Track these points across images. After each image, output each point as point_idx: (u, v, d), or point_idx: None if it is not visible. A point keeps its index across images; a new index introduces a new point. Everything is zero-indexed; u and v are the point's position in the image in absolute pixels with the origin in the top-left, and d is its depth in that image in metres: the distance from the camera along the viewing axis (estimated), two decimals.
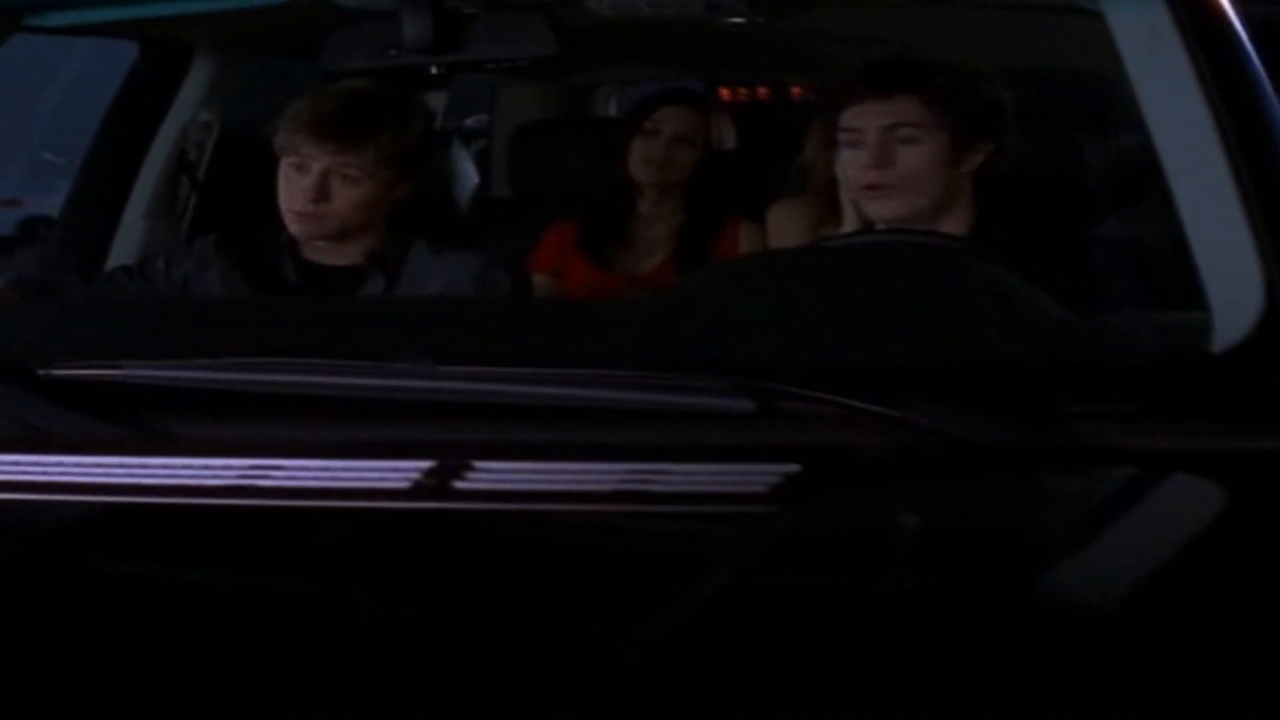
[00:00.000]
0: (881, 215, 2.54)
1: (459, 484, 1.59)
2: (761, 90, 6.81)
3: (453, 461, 1.61)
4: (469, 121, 6.25)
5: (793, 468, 1.64)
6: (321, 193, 2.74)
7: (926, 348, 1.82)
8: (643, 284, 3.49)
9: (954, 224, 2.55)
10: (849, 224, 3.10)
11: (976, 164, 2.56)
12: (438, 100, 3.82)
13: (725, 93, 6.50)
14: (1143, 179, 3.21)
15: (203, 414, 1.75)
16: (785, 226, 3.34)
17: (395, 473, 1.61)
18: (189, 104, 3.15)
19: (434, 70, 2.37)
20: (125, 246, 3.12)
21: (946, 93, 2.52)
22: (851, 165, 2.56)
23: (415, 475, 1.59)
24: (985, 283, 2.01)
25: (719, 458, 1.66)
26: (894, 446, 1.67)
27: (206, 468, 1.65)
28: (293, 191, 2.76)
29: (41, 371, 1.84)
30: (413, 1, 2.22)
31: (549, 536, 1.56)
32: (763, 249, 3.39)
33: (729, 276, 2.17)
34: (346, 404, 1.72)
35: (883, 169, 2.51)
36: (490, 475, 1.61)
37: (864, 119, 2.53)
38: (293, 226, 2.80)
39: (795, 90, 7.09)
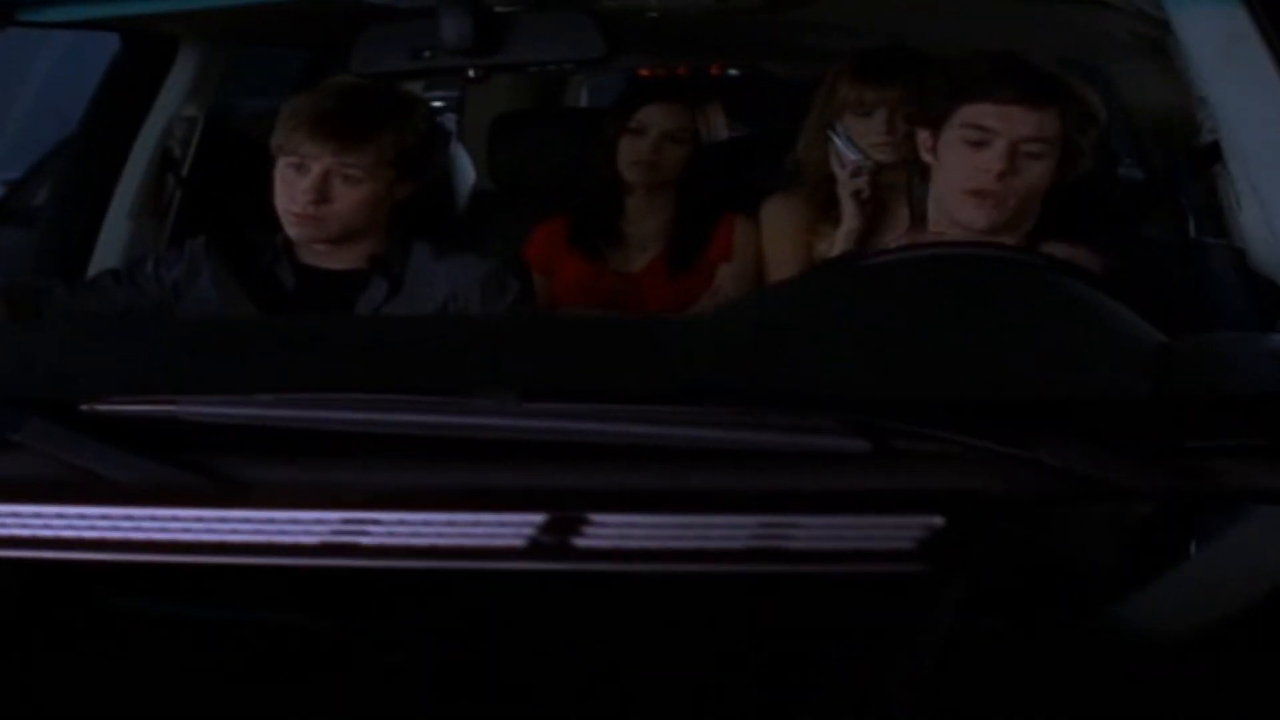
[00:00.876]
0: (975, 223, 2.41)
1: (579, 540, 1.45)
2: (680, 71, 6.74)
3: (569, 514, 1.47)
4: None
5: (920, 516, 1.52)
6: (322, 194, 2.64)
7: (1035, 379, 1.71)
8: (634, 282, 3.39)
9: (1017, 236, 2.45)
10: (848, 220, 3.03)
11: (1054, 177, 2.45)
12: (414, 86, 3.69)
13: (645, 73, 6.42)
14: (1167, 179, 3.15)
15: (278, 458, 1.60)
16: (780, 222, 3.29)
17: (505, 528, 1.46)
18: (173, 98, 3.01)
19: (472, 74, 2.23)
20: (109, 247, 2.98)
21: (1080, 111, 2.41)
22: (963, 164, 2.43)
23: (528, 530, 1.45)
24: (1080, 302, 1.91)
25: (845, 505, 1.54)
26: (1022, 489, 1.57)
27: (294, 522, 1.50)
28: (291, 192, 2.65)
29: (85, 406, 1.68)
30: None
31: (673, 594, 1.44)
32: (758, 244, 3.31)
33: (805, 294, 2.04)
34: (434, 446, 1.58)
35: (1006, 178, 2.38)
36: (612, 530, 1.48)
37: (1003, 122, 2.40)
38: (291, 229, 2.69)
39: (713, 69, 7.04)
